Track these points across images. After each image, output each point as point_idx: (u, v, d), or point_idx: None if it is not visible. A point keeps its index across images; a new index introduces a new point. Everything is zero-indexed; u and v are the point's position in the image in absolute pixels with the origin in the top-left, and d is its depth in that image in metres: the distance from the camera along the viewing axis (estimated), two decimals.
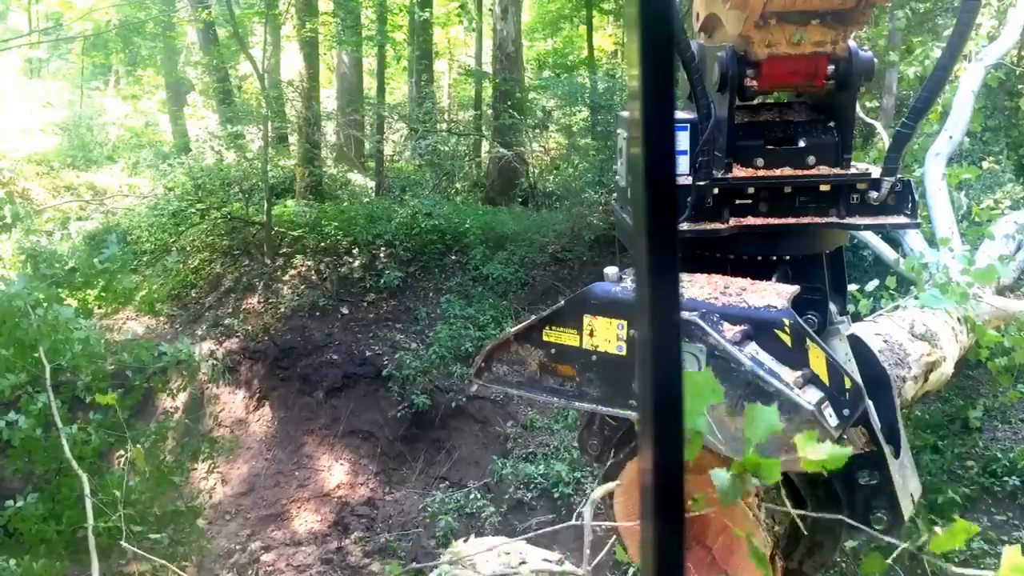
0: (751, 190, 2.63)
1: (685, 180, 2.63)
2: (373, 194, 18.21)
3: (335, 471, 12.79)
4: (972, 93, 10.65)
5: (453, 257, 15.02)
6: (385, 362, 13.27)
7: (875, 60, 2.67)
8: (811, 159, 2.65)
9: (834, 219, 2.67)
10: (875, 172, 2.70)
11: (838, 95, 2.67)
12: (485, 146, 19.92)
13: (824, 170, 2.65)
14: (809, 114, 2.77)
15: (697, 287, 2.46)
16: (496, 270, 14.36)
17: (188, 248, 15.63)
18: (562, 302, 2.51)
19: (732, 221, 2.65)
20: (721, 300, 2.35)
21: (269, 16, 16.00)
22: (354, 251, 14.98)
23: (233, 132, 16.41)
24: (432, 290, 14.58)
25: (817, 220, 2.67)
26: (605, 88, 16.26)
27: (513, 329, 2.60)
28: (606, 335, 2.36)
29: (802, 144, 2.67)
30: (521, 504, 11.59)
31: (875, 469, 2.63)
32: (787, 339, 2.23)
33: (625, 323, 2.33)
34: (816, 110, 2.77)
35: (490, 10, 19.51)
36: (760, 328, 2.25)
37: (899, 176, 2.68)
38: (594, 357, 2.41)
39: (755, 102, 2.94)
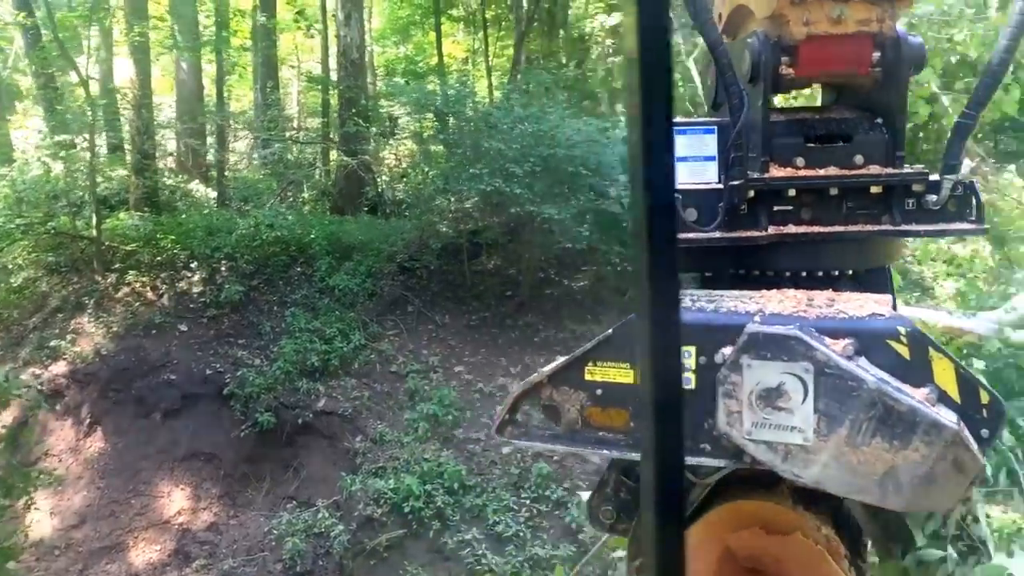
0: (791, 193, 2.30)
1: (714, 185, 2.35)
2: (215, 205, 17.54)
3: (175, 497, 12.18)
4: None
5: (298, 269, 14.60)
6: (227, 380, 12.75)
7: (925, 48, 2.37)
8: (859, 158, 2.31)
9: (889, 227, 2.32)
10: (933, 173, 2.37)
11: (885, 86, 2.35)
12: (334, 155, 19.50)
13: (875, 170, 2.30)
14: (852, 112, 2.45)
15: (775, 302, 2.10)
16: (342, 281, 14.04)
17: (10, 266, 14.61)
18: (609, 330, 2.06)
19: (771, 229, 2.31)
20: (811, 312, 2.00)
21: (95, 19, 15.16)
22: (192, 265, 14.36)
23: (60, 142, 15.44)
24: (276, 304, 14.11)
25: (869, 228, 2.31)
26: (455, 95, 16.15)
27: (546, 369, 2.14)
28: None
29: (848, 141, 2.34)
30: (371, 521, 11.34)
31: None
32: (904, 350, 1.89)
33: (694, 349, 1.96)
34: (860, 108, 2.45)
35: (334, 16, 19.14)
36: (869, 340, 1.90)
37: (960, 176, 2.37)
38: None
39: (790, 106, 2.64)
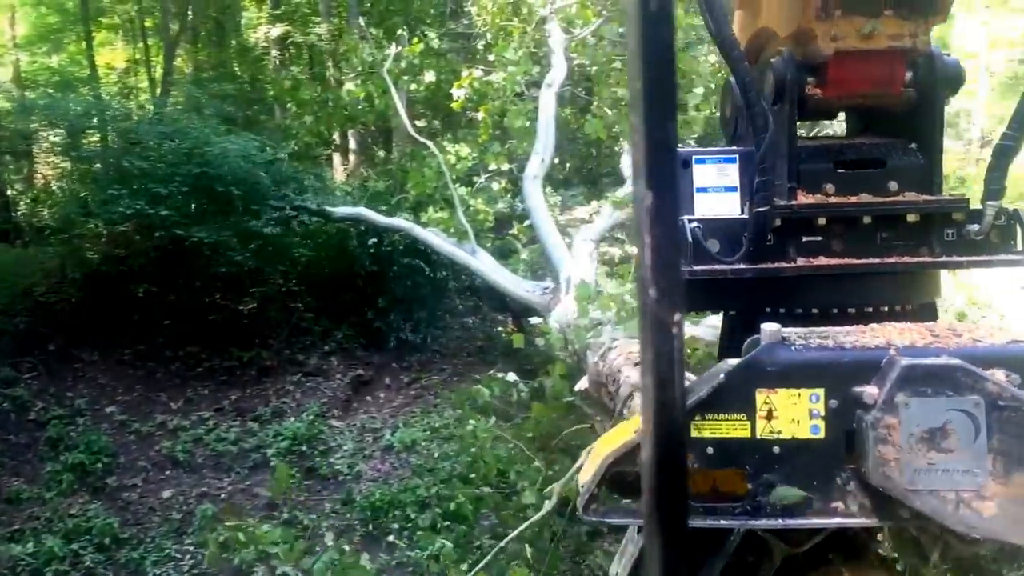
0: (821, 222, 2.09)
1: (736, 215, 2.16)
2: None
3: None
4: (550, 117, 11.60)
5: None
6: None
7: (962, 67, 2.18)
8: (893, 184, 2.12)
9: (927, 258, 2.12)
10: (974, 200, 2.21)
11: (919, 107, 2.17)
12: None
13: (911, 197, 2.11)
14: (885, 137, 2.27)
15: (895, 333, 1.83)
16: None
17: None
18: (721, 377, 1.75)
19: (800, 261, 2.09)
20: (945, 342, 1.77)
21: None
22: None
23: None
24: None
25: (906, 260, 2.11)
26: (92, 108, 14.75)
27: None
28: (793, 414, 1.72)
29: (881, 167, 2.15)
30: None
31: None
32: None
33: (821, 392, 1.70)
34: (893, 135, 2.27)
35: None
36: (1019, 367, 1.71)
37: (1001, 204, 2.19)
38: (776, 449, 1.71)
39: (816, 133, 2.43)
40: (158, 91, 21.47)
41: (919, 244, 2.15)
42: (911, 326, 1.94)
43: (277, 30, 19.99)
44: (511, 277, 11.86)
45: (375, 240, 13.55)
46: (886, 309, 2.15)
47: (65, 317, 12.93)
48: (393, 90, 13.77)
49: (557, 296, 9.73)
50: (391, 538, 10.60)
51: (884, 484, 1.63)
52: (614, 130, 12.04)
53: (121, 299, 13.15)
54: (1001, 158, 2.15)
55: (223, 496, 11.40)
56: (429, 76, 14.91)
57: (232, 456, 11.88)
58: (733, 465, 1.77)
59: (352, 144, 19.27)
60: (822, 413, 1.73)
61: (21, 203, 16.81)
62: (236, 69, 22.68)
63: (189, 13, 22.27)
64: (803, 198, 2.13)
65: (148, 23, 22.78)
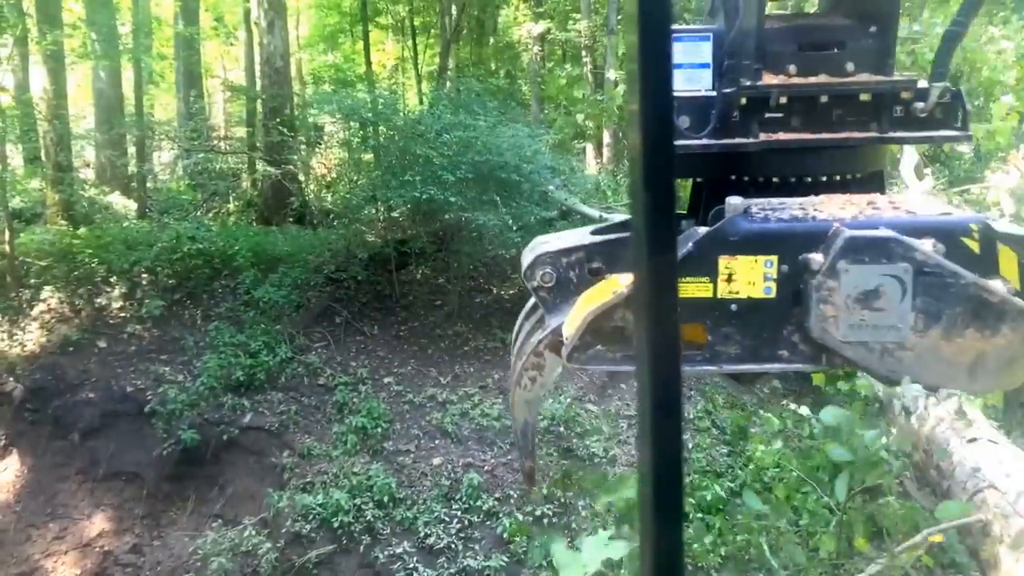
0: (783, 100, 2.26)
1: (708, 92, 2.32)
2: (136, 218, 17.09)
3: (96, 518, 11.80)
4: None
5: (222, 281, 14.27)
6: (149, 397, 12.40)
7: None
8: (850, 65, 2.28)
9: (875, 134, 2.29)
10: (921, 81, 2.34)
11: None
12: (260, 165, 19.18)
13: (865, 78, 2.28)
14: (847, 18, 2.40)
15: (836, 206, 2.10)
16: (268, 293, 13.76)
17: None
18: (690, 245, 2.00)
19: (761, 137, 2.28)
20: (884, 214, 2.04)
21: (6, 27, 14.65)
22: (111, 279, 13.93)
23: None
24: (200, 317, 13.78)
25: (856, 135, 2.29)
26: (382, 102, 16.01)
27: (624, 287, 2.03)
28: (749, 277, 1.99)
29: (841, 48, 2.31)
30: (300, 537, 11.13)
31: None
32: (975, 245, 1.97)
33: (775, 259, 1.98)
34: (855, 15, 2.39)
35: (256, 24, 18.85)
36: (944, 237, 1.97)
37: (947, 84, 2.32)
38: (733, 307, 2.00)
39: (785, 12, 2.65)
40: (423, 86, 22.87)
41: (870, 120, 2.27)
42: (856, 198, 2.12)
43: (539, 27, 20.64)
44: None
45: None
46: (838, 179, 2.30)
47: (350, 294, 14.15)
48: None
49: None
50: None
51: (823, 337, 1.87)
52: None
53: (399, 279, 14.20)
54: (949, 42, 2.28)
55: (487, 468, 12.08)
56: None
57: (495, 432, 12.53)
58: (696, 320, 2.00)
59: (607, 138, 19.63)
60: (774, 276, 1.95)
61: (307, 190, 18.45)
62: (493, 65, 23.75)
63: (452, 11, 23.51)
64: (768, 78, 2.24)
65: (416, 22, 24.27)
